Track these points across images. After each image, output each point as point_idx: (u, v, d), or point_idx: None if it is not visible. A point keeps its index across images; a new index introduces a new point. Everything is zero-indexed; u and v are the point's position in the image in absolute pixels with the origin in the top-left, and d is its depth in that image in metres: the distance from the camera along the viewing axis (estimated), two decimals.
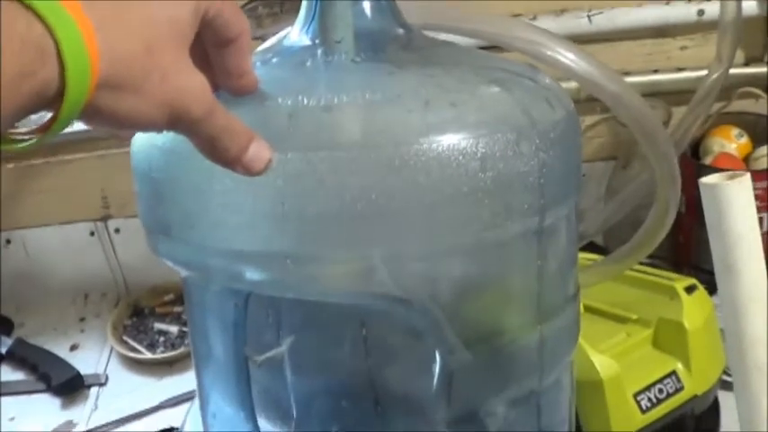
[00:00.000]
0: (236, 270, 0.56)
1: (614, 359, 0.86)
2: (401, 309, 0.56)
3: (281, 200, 0.52)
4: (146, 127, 0.46)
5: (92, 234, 1.44)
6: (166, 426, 1.11)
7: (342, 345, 0.63)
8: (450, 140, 0.52)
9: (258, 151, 0.49)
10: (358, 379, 0.63)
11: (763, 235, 0.66)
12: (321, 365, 0.66)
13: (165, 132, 0.47)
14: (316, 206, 0.52)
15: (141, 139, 0.60)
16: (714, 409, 0.99)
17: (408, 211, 0.52)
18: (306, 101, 0.53)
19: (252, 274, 0.55)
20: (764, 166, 1.21)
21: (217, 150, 0.48)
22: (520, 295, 0.59)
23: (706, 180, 0.64)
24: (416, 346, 0.58)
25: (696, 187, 0.65)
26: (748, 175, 0.64)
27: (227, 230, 0.54)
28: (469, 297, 0.56)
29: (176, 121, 0.46)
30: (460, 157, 0.52)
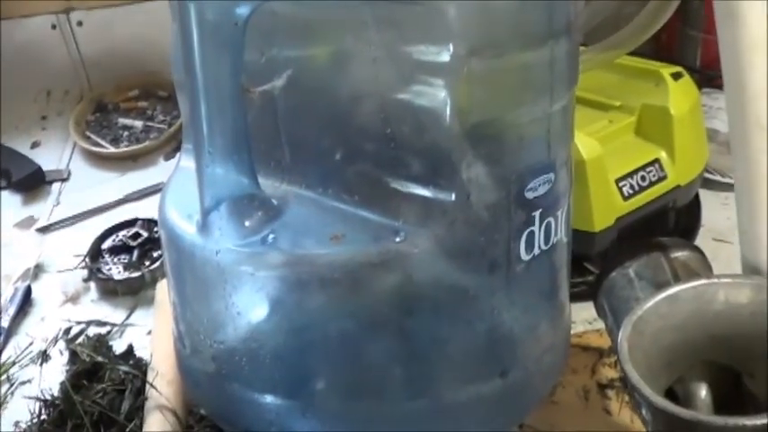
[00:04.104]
0: None
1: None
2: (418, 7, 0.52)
3: None
4: None
5: (53, 27, 1.37)
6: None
7: (349, 62, 0.58)
8: None
9: None
10: (365, 108, 0.59)
11: None
12: (323, 96, 0.61)
13: None
14: None
15: None
16: (695, 204, 0.98)
17: None
18: None
19: None
20: None
21: None
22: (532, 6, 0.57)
23: None
24: (430, 54, 0.54)
25: None
26: None
27: None
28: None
29: None
30: None
